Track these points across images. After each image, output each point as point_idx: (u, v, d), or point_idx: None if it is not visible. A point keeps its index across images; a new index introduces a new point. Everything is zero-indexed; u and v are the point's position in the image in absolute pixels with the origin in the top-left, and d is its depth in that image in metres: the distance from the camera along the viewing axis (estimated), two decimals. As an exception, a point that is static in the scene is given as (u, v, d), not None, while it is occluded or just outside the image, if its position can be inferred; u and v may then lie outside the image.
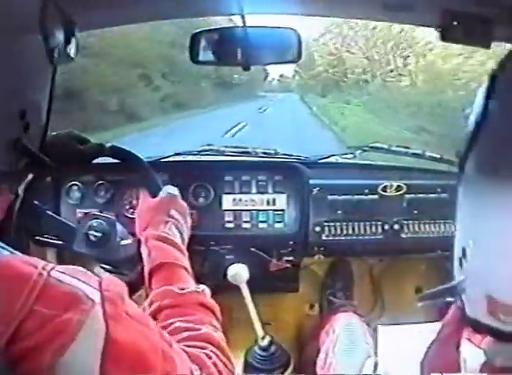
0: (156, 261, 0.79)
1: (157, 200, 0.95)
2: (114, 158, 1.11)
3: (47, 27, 0.73)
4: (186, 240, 0.90)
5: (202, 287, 0.74)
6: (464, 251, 0.39)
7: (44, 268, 0.43)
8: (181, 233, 0.89)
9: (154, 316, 0.69)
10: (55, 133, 0.95)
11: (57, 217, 1.06)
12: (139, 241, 0.93)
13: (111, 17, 1.20)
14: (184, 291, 0.71)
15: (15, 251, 0.46)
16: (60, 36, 0.79)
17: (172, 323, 0.65)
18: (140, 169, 1.06)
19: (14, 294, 0.41)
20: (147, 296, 0.79)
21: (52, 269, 0.44)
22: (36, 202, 1.02)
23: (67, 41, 0.82)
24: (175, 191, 0.99)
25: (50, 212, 1.05)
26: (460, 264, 0.39)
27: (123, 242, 1.02)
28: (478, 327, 0.36)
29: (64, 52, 0.81)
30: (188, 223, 0.94)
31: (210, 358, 0.59)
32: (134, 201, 1.22)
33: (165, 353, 0.49)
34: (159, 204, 0.93)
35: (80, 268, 0.48)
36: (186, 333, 0.62)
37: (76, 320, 0.41)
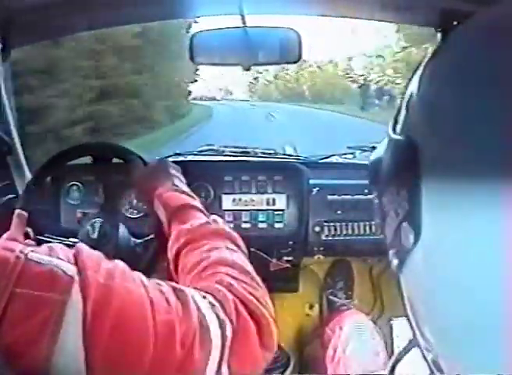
0: (172, 207, 0.80)
1: (152, 165, 0.99)
2: (115, 158, 1.11)
3: None
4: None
5: (214, 217, 0.74)
6: (423, 336, 0.32)
7: (21, 251, 0.43)
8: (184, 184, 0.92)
9: (177, 262, 0.68)
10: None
11: None
12: (140, 243, 0.93)
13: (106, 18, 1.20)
14: (194, 226, 0.71)
15: None
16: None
17: (188, 261, 0.63)
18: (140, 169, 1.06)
19: None
20: None
21: (31, 251, 0.44)
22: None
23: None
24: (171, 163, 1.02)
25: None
26: (428, 349, 0.33)
27: (123, 242, 1.03)
28: None
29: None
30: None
31: (221, 282, 0.55)
32: (134, 202, 1.22)
33: (155, 303, 0.47)
34: (156, 167, 0.97)
35: (58, 244, 0.48)
36: (200, 266, 0.60)
37: (60, 301, 0.41)
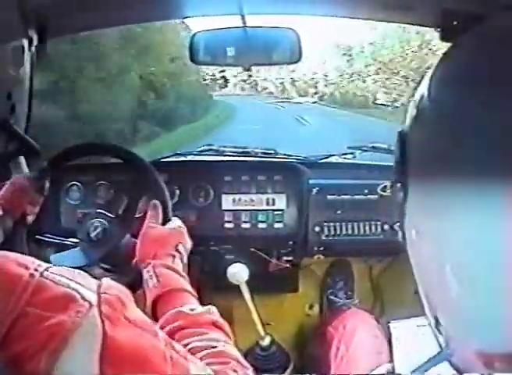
0: (166, 287, 0.79)
1: (166, 232, 0.94)
2: (115, 158, 1.11)
3: (27, 31, 0.95)
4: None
5: (210, 307, 0.75)
6: (436, 319, 0.37)
7: (36, 269, 0.42)
8: (184, 266, 0.90)
9: None
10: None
11: None
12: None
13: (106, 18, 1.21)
14: (195, 312, 0.71)
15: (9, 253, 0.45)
16: (35, 37, 1.00)
17: (188, 343, 0.64)
18: (141, 169, 1.06)
19: (5, 295, 0.40)
20: (145, 297, 0.79)
21: (46, 269, 0.43)
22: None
23: (42, 40, 1.02)
24: (182, 223, 0.99)
25: None
26: (439, 331, 0.38)
27: (124, 242, 1.03)
28: None
29: (40, 48, 1.05)
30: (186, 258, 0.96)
31: (235, 371, 0.58)
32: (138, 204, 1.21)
33: (176, 361, 0.47)
34: (169, 236, 0.93)
35: (79, 270, 0.47)
36: (205, 352, 0.61)
37: (70, 322, 0.40)
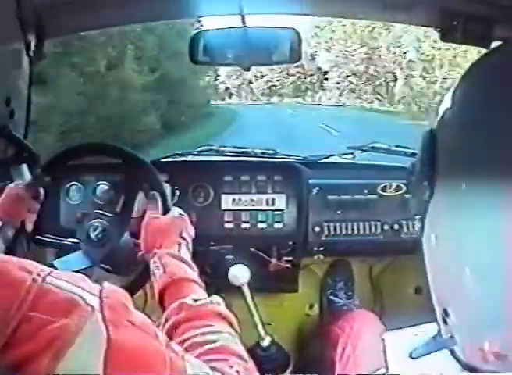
0: (172, 276, 0.79)
1: (169, 220, 0.94)
2: (116, 157, 1.11)
3: (26, 34, 0.96)
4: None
5: (216, 297, 0.74)
6: (445, 311, 0.39)
7: (39, 274, 0.42)
8: (190, 253, 0.90)
9: (172, 332, 0.67)
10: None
11: None
12: (140, 244, 0.93)
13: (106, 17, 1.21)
14: (198, 303, 0.71)
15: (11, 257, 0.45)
16: (33, 39, 1.01)
17: (190, 337, 0.63)
18: (142, 169, 1.06)
19: (8, 300, 0.40)
20: (145, 298, 0.79)
21: (48, 274, 0.43)
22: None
23: (40, 42, 1.03)
24: (182, 211, 0.99)
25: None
26: (445, 322, 0.39)
27: (123, 242, 1.03)
28: (474, 371, 0.38)
29: (38, 51, 1.04)
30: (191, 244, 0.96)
31: (231, 367, 0.57)
32: (136, 204, 1.21)
33: (174, 363, 0.47)
34: (172, 224, 0.93)
35: (81, 275, 0.47)
36: (206, 347, 0.61)
37: (73, 326, 0.40)
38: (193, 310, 0.69)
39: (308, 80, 31.10)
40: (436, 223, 0.39)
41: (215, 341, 0.62)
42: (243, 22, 0.96)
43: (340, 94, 26.74)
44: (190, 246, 0.91)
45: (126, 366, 0.43)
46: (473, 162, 0.33)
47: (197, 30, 1.08)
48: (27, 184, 0.99)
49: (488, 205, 0.31)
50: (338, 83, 26.61)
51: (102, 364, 0.41)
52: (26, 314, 0.40)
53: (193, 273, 0.82)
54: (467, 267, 0.33)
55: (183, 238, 0.90)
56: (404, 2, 1.07)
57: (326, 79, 28.22)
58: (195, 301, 0.71)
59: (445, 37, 1.07)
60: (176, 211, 0.98)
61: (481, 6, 0.96)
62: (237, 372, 0.56)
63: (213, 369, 0.53)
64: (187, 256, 0.87)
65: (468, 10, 0.98)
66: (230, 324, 0.69)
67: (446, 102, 0.39)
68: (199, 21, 10.69)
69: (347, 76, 25.72)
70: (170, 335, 0.67)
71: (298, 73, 31.12)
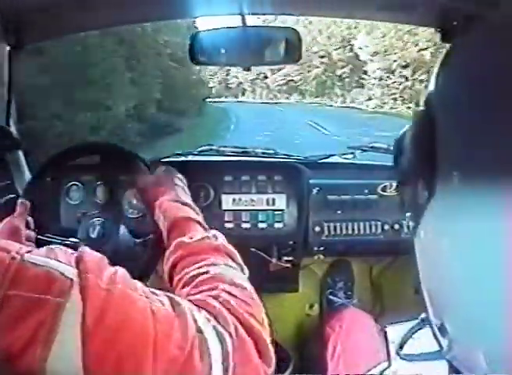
0: (172, 218, 0.80)
1: (158, 174, 0.99)
2: (115, 158, 1.11)
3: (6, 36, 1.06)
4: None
5: (213, 232, 0.73)
6: (441, 322, 0.37)
7: (17, 252, 0.42)
8: (189, 196, 0.93)
9: (172, 272, 0.67)
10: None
11: None
12: (140, 243, 0.93)
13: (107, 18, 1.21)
14: (194, 239, 0.70)
15: None
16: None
17: (186, 274, 0.63)
18: (142, 169, 1.06)
19: None
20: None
21: (27, 252, 0.43)
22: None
23: (19, 43, 1.10)
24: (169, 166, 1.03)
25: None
26: (441, 333, 0.37)
27: (123, 242, 1.03)
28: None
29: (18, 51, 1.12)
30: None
31: (217, 298, 0.55)
32: (134, 201, 1.22)
33: (156, 312, 0.46)
34: (161, 176, 0.97)
35: (60, 246, 0.48)
36: (197, 279, 0.60)
37: (55, 304, 0.40)
38: (190, 247, 0.69)
39: (339, 72, 20.63)
40: (433, 226, 0.38)
41: (205, 273, 0.61)
42: (244, 22, 0.96)
43: (383, 94, 16.44)
44: (187, 190, 0.95)
45: (106, 329, 0.42)
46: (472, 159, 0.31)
47: (197, 30, 1.08)
48: (16, 215, 0.95)
49: (483, 203, 0.30)
50: (381, 78, 16.42)
51: (80, 336, 0.40)
52: (7, 294, 0.40)
53: (193, 212, 0.83)
54: (460, 267, 0.32)
55: (176, 184, 0.94)
56: (404, 2, 1.07)
57: (365, 72, 17.98)
58: (191, 238, 0.71)
59: (445, 37, 1.07)
60: (161, 167, 1.02)
61: (481, 6, 0.96)
62: (224, 302, 0.54)
63: (196, 304, 0.52)
64: (186, 198, 0.89)
65: (468, 10, 0.98)
66: (227, 255, 0.68)
67: (431, 85, 0.37)
68: (194, 22, 10.63)
69: (393, 70, 15.53)
70: (171, 276, 0.67)
71: (323, 64, 21.23)
